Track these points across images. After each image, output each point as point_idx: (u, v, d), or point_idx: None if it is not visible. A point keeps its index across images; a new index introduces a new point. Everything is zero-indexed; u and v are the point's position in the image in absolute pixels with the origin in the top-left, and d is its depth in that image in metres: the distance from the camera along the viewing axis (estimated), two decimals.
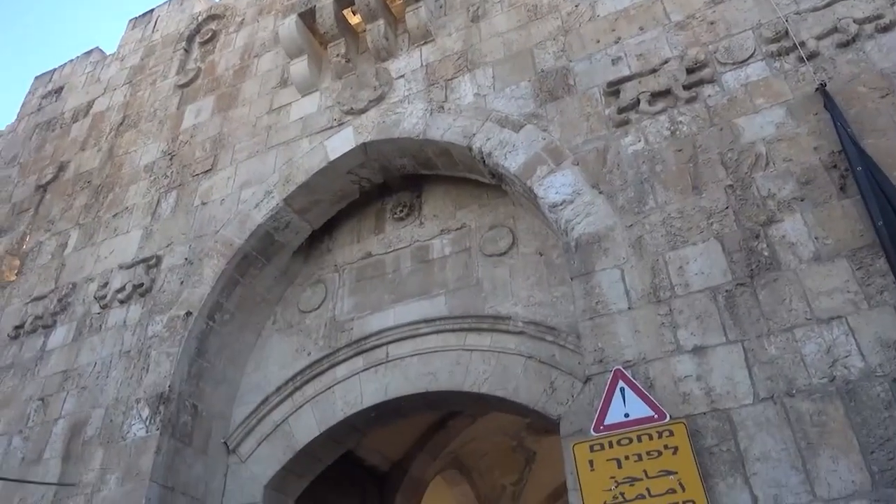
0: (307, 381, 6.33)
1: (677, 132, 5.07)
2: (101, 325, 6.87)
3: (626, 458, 3.85)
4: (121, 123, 8.99)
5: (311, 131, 7.05)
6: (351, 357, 6.25)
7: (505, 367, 5.49)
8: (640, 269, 4.56)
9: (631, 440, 3.89)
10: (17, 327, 7.43)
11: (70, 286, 7.43)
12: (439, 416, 8.29)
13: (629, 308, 4.44)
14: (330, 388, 6.20)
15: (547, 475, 10.75)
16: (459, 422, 8.72)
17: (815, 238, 4.18)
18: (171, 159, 7.96)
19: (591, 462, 3.93)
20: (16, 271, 8.20)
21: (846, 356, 3.74)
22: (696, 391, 3.97)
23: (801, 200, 4.35)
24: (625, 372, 4.14)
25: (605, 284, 4.61)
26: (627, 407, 4.00)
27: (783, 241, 4.25)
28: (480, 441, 9.82)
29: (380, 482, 8.10)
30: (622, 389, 4.08)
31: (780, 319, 3.99)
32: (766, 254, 4.25)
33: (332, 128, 6.92)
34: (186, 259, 6.83)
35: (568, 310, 5.34)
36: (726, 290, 4.22)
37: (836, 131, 4.38)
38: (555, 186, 5.27)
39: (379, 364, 6.08)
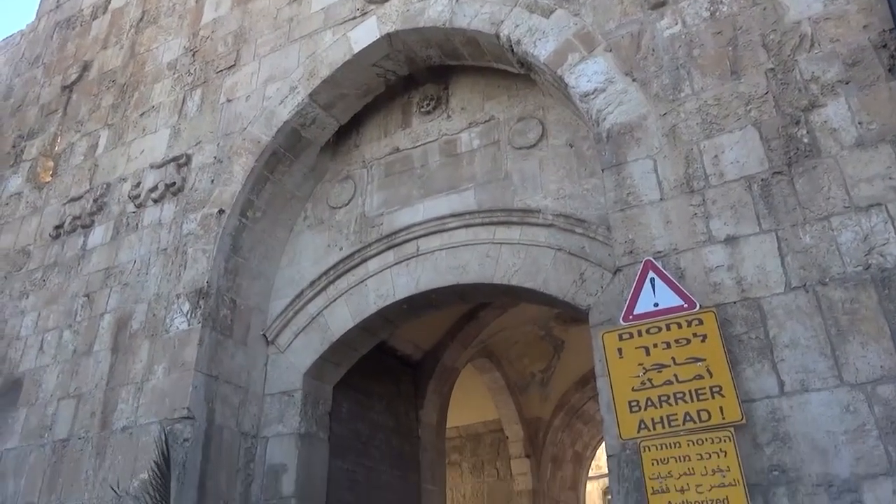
0: (340, 276, 6.47)
1: (717, 13, 4.82)
2: (137, 224, 7.02)
3: (655, 346, 3.93)
4: (140, 20, 8.81)
5: (334, 22, 6.84)
6: (382, 251, 6.34)
7: (534, 260, 5.54)
8: (674, 158, 4.46)
9: (660, 329, 3.94)
10: (57, 227, 7.63)
11: (104, 186, 7.55)
12: (470, 307, 8.45)
13: (661, 199, 4.39)
14: (362, 281, 6.34)
15: (575, 362, 11.05)
16: (489, 313, 8.90)
17: (859, 123, 4.02)
18: (193, 56, 7.84)
19: (619, 350, 4.02)
20: (51, 172, 8.32)
21: (883, 244, 3.68)
22: (727, 281, 3.98)
23: (846, 83, 4.16)
24: (655, 263, 4.15)
25: (636, 175, 4.54)
26: (657, 297, 4.04)
27: (824, 127, 4.10)
28: (510, 331, 10.07)
29: (413, 370, 8.41)
30: (652, 280, 4.10)
31: (817, 208, 3.92)
32: (805, 140, 4.12)
33: (354, 18, 6.70)
34: (215, 157, 6.85)
35: (598, 202, 5.30)
36: (762, 179, 4.13)
37: (889, 7, 4.12)
38: (586, 75, 5.10)
39: (409, 258, 6.16)
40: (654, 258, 4.18)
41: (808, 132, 4.13)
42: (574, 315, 6.26)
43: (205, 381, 5.81)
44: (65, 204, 7.76)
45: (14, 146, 8.95)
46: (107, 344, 6.44)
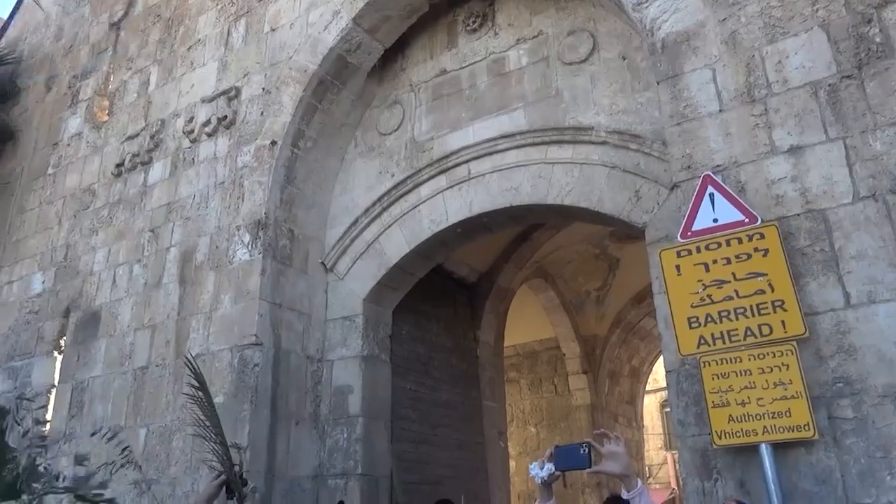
0: (393, 202, 6.52)
1: None
2: (193, 159, 7.17)
3: (714, 262, 3.87)
4: None
5: None
6: (433, 176, 6.33)
7: (588, 178, 5.45)
8: (734, 67, 4.26)
9: (719, 244, 3.88)
10: (118, 165, 7.85)
11: (159, 123, 7.68)
12: (523, 228, 8.45)
13: (720, 110, 4.23)
14: (415, 207, 6.38)
15: (630, 280, 11.02)
16: (543, 233, 8.89)
17: None
18: None
19: (677, 267, 3.98)
20: (107, 111, 8.50)
21: None
22: (791, 193, 3.85)
23: None
24: (714, 177, 4.03)
25: (694, 86, 4.37)
26: (716, 212, 3.95)
27: None
28: (564, 250, 10.05)
29: (469, 292, 8.53)
30: (711, 195, 4.00)
31: (889, 112, 3.71)
32: (878, 40, 3.86)
33: None
34: (264, 89, 6.87)
35: (653, 116, 5.14)
36: (829, 84, 3.92)
37: None
38: None
39: (461, 182, 6.15)
40: (713, 172, 4.07)
41: (880, 30, 3.87)
42: (629, 233, 6.19)
43: (269, 309, 6.03)
44: (123, 142, 7.95)
45: (70, 87, 9.14)
46: (175, 276, 6.71)
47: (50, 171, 8.76)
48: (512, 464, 10.29)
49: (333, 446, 6.07)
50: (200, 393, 4.23)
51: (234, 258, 6.30)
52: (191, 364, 4.33)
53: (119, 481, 5.74)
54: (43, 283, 7.96)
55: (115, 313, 7.02)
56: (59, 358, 7.41)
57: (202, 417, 4.23)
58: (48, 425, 6.93)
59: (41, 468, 4.44)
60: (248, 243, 6.27)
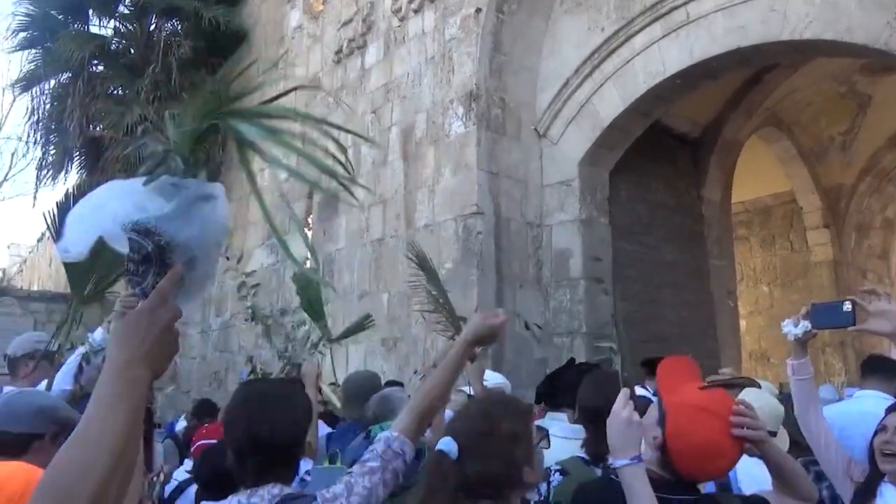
0: (604, 59, 6.21)
1: None
2: (403, 38, 7.34)
3: None
4: None
5: None
6: (647, 25, 5.90)
7: (833, 5, 4.73)
8: None
9: None
10: (337, 52, 8.29)
11: (369, 5, 7.90)
12: (752, 72, 7.63)
13: None
14: (629, 61, 6.03)
15: (885, 119, 9.66)
16: (776, 75, 7.95)
17: None
18: None
19: None
20: (322, 1, 8.91)
21: None
22: None
23: None
24: None
25: None
26: None
27: None
28: (802, 91, 8.98)
29: (691, 148, 8.03)
30: None
31: None
32: None
33: None
34: None
35: None
36: None
37: None
38: None
39: (679, 27, 5.66)
40: None
41: None
42: (886, 63, 5.34)
43: (487, 179, 6.21)
44: (339, 29, 8.33)
45: None
46: (398, 153, 7.11)
47: (280, 65, 9.51)
48: (742, 323, 9.94)
49: (557, 307, 6.29)
50: (423, 272, 4.53)
51: (450, 131, 6.50)
52: (413, 250, 4.63)
53: (368, 339, 6.50)
54: (290, 165, 8.87)
55: (351, 190, 7.64)
56: (310, 234, 8.36)
57: (433, 292, 4.53)
58: None
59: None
60: (462, 116, 6.40)
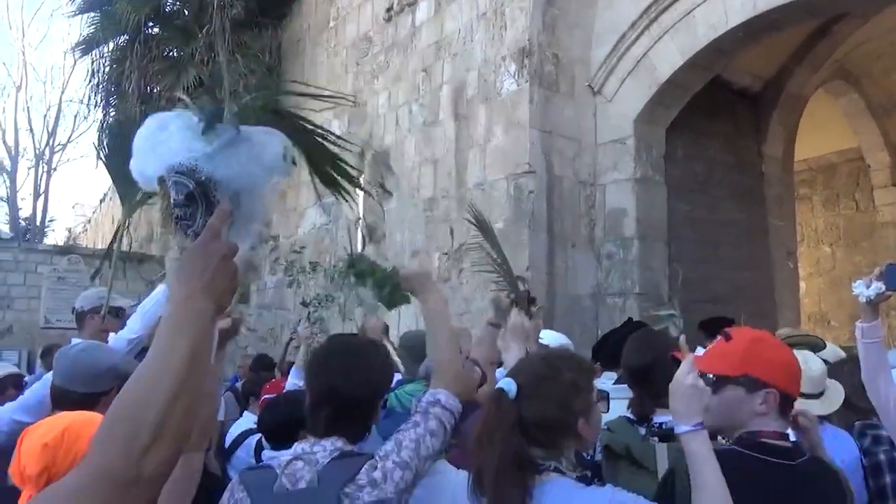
0: (663, 11, 5.99)
1: None
2: None
3: None
4: None
5: None
6: None
7: None
8: None
9: None
10: (388, 10, 8.21)
11: None
12: (820, 22, 7.26)
13: None
14: (689, 13, 5.80)
15: None
16: (846, 25, 7.54)
17: None
18: None
19: None
20: None
21: None
22: None
23: None
24: None
25: None
26: None
27: None
28: (874, 42, 8.50)
29: (752, 103, 7.72)
30: None
31: None
32: None
33: None
34: None
35: None
36: None
37: None
38: None
39: None
40: None
41: None
42: None
43: (540, 137, 6.12)
44: None
45: None
46: (449, 112, 7.06)
47: (331, 24, 9.49)
48: (802, 284, 9.65)
49: (610, 267, 6.22)
50: (480, 232, 4.52)
51: (502, 89, 6.40)
52: (471, 210, 4.62)
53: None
54: (339, 127, 8.92)
55: (402, 151, 7.67)
56: (361, 195, 8.41)
57: (490, 252, 4.52)
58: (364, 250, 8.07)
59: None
60: (515, 73, 6.30)
